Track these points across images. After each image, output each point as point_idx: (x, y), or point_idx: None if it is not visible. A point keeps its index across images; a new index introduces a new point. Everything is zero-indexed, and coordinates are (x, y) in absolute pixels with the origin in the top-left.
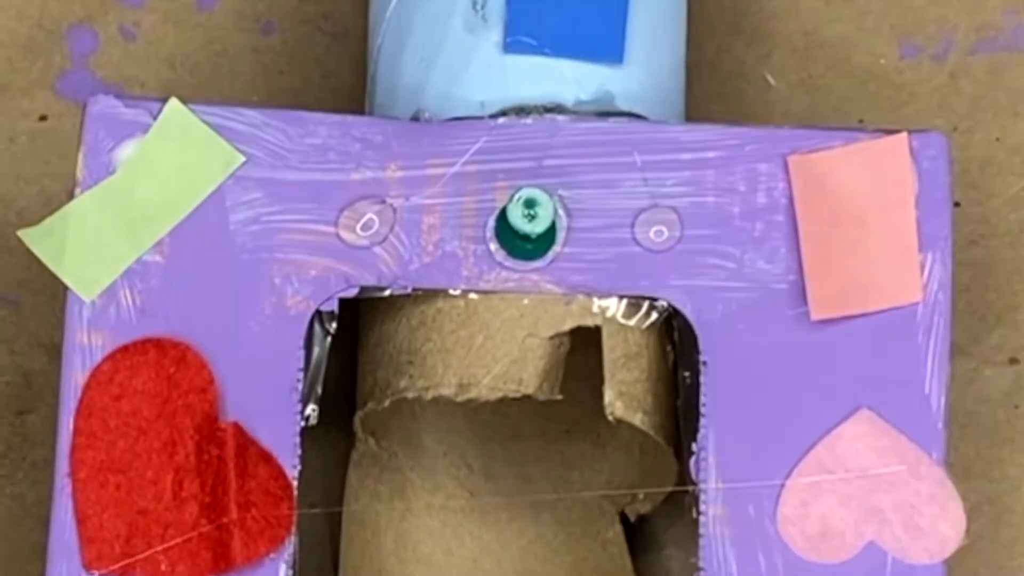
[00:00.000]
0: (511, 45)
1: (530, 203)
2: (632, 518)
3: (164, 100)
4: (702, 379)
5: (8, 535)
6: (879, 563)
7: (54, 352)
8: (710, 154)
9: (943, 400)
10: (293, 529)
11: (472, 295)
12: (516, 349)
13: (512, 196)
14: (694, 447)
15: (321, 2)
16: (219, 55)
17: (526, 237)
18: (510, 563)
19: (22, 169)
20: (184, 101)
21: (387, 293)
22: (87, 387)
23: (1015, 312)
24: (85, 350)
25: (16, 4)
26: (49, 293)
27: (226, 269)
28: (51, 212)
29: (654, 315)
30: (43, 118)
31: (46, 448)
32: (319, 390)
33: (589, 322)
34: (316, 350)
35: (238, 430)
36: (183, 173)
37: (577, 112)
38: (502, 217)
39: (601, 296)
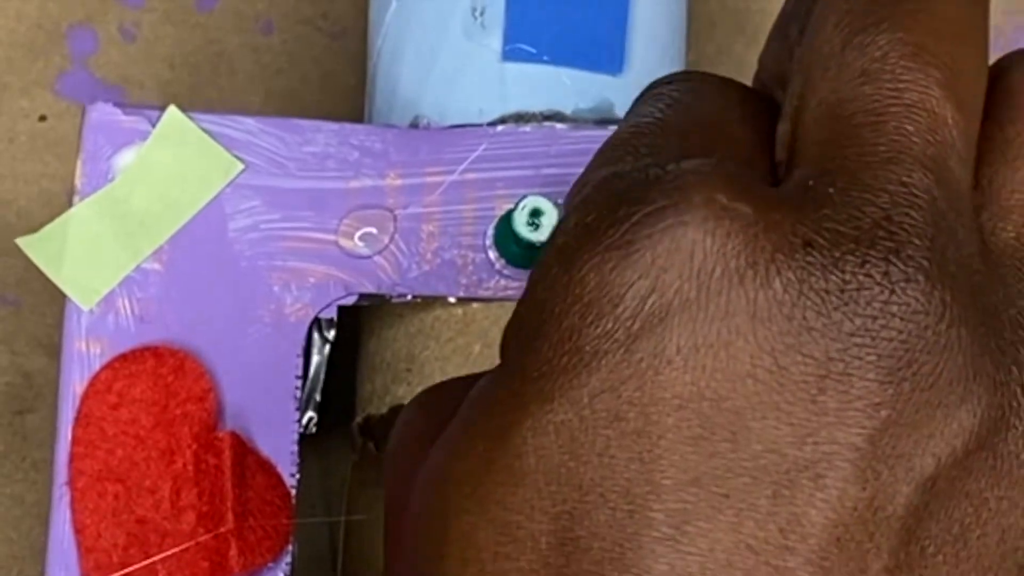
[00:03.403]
0: (510, 53)
1: (536, 212)
2: None
3: (163, 107)
4: None
5: (7, 535)
6: None
7: (54, 352)
8: None
9: None
10: (291, 538)
11: (471, 303)
12: None
13: (517, 204)
14: None
15: (320, 2)
16: (218, 55)
17: (530, 245)
18: None
19: (21, 169)
20: (183, 101)
21: (386, 301)
22: (85, 396)
23: None
24: (83, 358)
25: (15, 4)
26: (49, 294)
27: (225, 277)
28: (50, 213)
29: None
30: (43, 118)
31: (45, 449)
32: (318, 398)
33: None
34: (315, 358)
35: (236, 439)
36: (182, 181)
37: (576, 120)
38: (501, 225)
39: None
